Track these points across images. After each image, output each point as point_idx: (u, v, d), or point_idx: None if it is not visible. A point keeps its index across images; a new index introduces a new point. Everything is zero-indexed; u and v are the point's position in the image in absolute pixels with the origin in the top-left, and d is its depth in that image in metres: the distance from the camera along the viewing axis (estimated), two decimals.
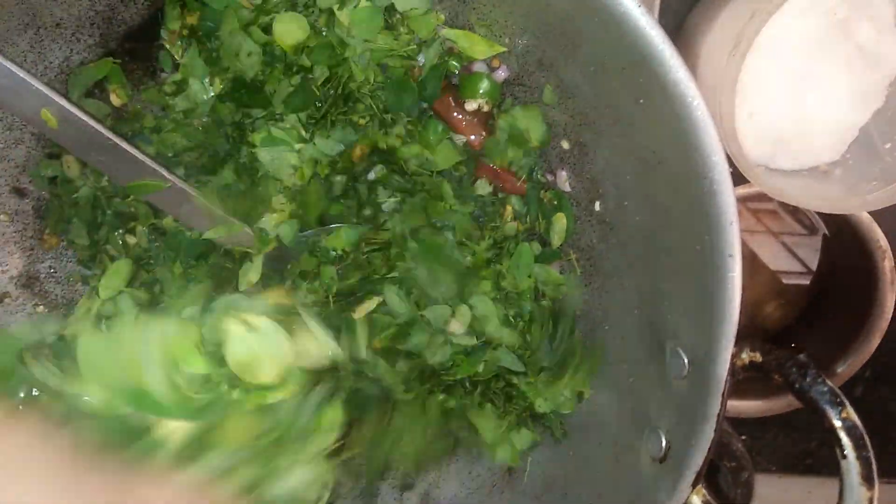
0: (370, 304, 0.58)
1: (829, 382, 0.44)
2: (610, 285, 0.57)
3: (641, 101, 0.44)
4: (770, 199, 0.80)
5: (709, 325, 0.44)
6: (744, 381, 0.54)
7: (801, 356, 0.46)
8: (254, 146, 0.55)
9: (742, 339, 0.45)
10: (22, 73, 0.46)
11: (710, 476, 0.58)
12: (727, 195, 0.41)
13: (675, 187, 0.45)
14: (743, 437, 0.90)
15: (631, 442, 0.52)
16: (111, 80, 0.56)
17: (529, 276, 0.57)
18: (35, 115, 0.47)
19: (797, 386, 0.44)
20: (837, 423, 0.44)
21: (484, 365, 0.58)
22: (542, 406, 0.58)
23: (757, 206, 0.80)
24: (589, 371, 0.56)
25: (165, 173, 0.52)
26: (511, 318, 0.57)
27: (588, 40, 0.46)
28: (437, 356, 0.57)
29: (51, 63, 0.55)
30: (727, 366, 0.44)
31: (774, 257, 0.82)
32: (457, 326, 0.56)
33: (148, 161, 0.51)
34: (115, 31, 0.55)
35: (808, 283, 0.82)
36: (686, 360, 0.47)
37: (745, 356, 0.45)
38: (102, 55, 0.56)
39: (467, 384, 0.60)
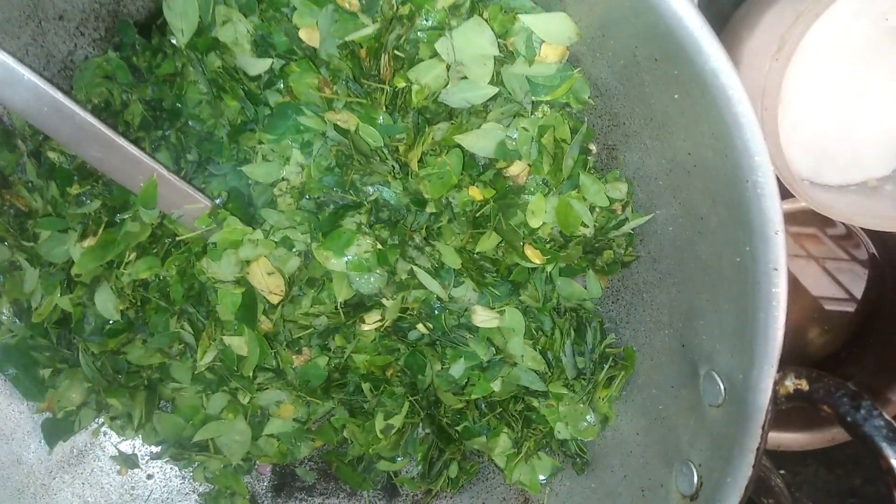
0: (378, 314, 0.54)
1: (885, 416, 0.39)
2: (639, 302, 0.52)
3: (676, 96, 0.40)
4: (810, 223, 0.75)
5: (748, 347, 0.40)
6: (785, 411, 0.49)
7: (852, 385, 0.41)
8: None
9: (785, 364, 0.40)
10: (15, 64, 0.44)
11: None
12: (772, 200, 0.37)
13: (714, 192, 0.41)
14: (781, 472, 0.85)
15: (660, 476, 0.48)
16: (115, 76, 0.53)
17: (552, 290, 0.53)
18: (28, 108, 0.45)
19: (849, 419, 0.39)
20: (895, 462, 0.38)
21: (501, 384, 0.53)
22: (562, 432, 0.54)
23: (798, 230, 0.76)
24: (623, 380, 0.51)
25: (163, 171, 0.50)
26: (533, 331, 0.53)
27: (616, 30, 0.42)
28: (452, 370, 0.53)
29: (54, 57, 0.53)
30: (769, 393, 0.40)
31: (816, 283, 0.78)
32: (482, 313, 0.51)
33: (144, 157, 0.49)
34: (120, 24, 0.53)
35: (852, 309, 0.77)
36: (722, 386, 0.43)
37: (790, 383, 0.40)
38: (107, 50, 0.53)
39: (483, 406, 0.56)
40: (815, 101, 0.61)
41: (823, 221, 0.75)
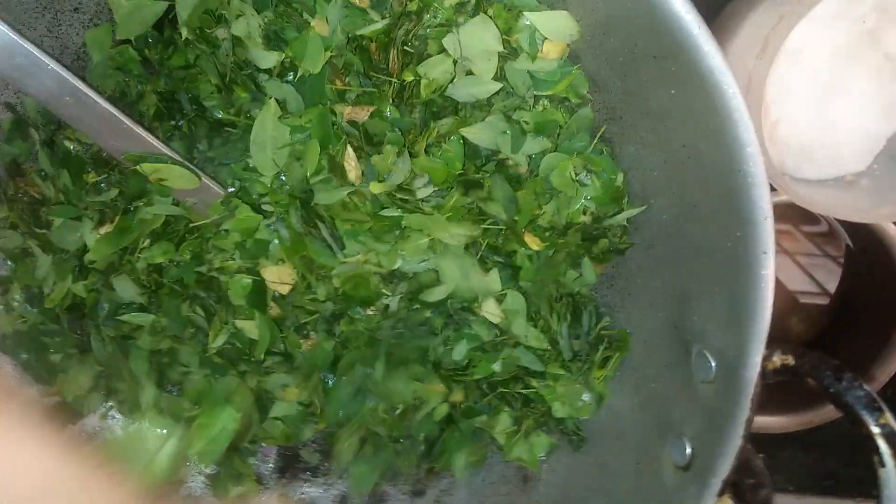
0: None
1: (865, 387, 0.42)
2: (633, 287, 0.55)
3: (673, 91, 0.42)
4: (785, 219, 0.79)
5: (739, 326, 0.43)
6: (765, 393, 0.52)
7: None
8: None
9: (772, 342, 0.43)
10: (39, 54, 0.45)
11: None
12: (761, 188, 0.39)
13: (706, 182, 0.43)
14: (761, 455, 0.88)
15: (653, 450, 0.50)
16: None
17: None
18: (50, 96, 0.46)
19: (832, 390, 0.42)
20: (875, 430, 0.42)
21: (502, 364, 0.56)
22: (559, 411, 0.57)
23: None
24: (618, 361, 0.54)
25: (179, 160, 0.51)
26: (532, 314, 0.55)
27: (616, 29, 0.45)
28: (454, 352, 0.55)
29: (68, 48, 0.54)
30: (758, 369, 0.42)
31: (790, 277, 0.81)
32: (490, 306, 0.54)
33: (161, 146, 0.51)
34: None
35: (826, 302, 0.81)
36: (713, 364, 0.45)
37: (777, 359, 0.43)
38: (120, 42, 0.55)
39: (484, 386, 0.58)
40: (796, 99, 0.64)
41: (798, 218, 0.79)
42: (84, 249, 0.54)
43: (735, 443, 0.43)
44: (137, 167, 0.50)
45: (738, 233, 0.41)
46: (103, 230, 0.52)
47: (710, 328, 0.46)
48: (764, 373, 0.43)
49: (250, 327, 0.55)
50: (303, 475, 0.66)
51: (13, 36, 0.43)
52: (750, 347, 0.42)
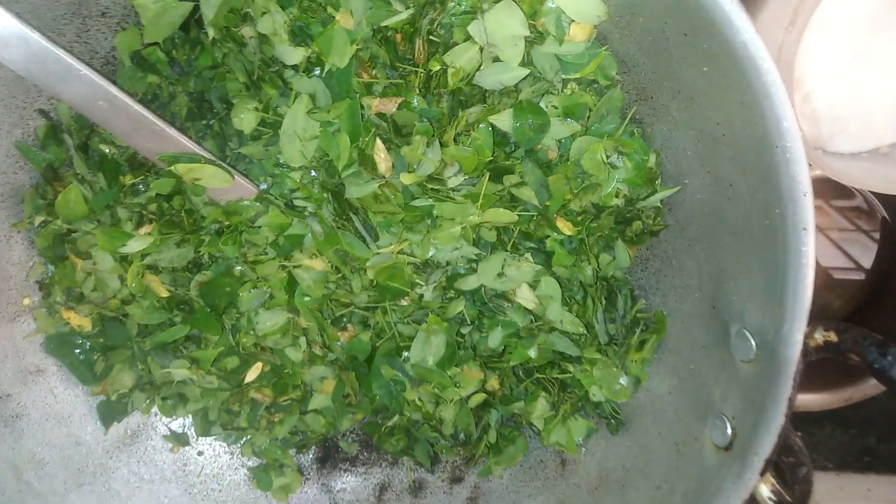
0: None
1: None
2: (668, 269, 0.55)
3: (705, 69, 0.42)
4: (815, 195, 0.77)
5: (779, 304, 0.42)
6: (803, 371, 0.52)
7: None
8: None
9: (813, 319, 0.43)
10: (72, 60, 0.46)
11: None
12: (800, 164, 0.39)
13: (742, 159, 0.43)
14: (799, 434, 0.87)
15: (693, 431, 0.50)
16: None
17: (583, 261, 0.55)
18: (84, 101, 0.47)
19: (877, 366, 0.41)
20: None
21: (538, 350, 0.56)
22: (596, 395, 0.56)
23: None
24: (655, 343, 0.54)
25: (212, 159, 0.52)
26: (566, 299, 0.55)
27: (645, 8, 0.44)
28: (490, 339, 0.55)
29: (97, 53, 0.55)
30: (799, 346, 0.42)
31: (824, 253, 0.80)
32: (525, 292, 0.54)
33: (194, 146, 0.51)
34: None
35: (861, 278, 0.80)
36: (754, 343, 0.45)
37: (819, 336, 0.43)
38: (148, 45, 0.55)
39: (520, 373, 0.58)
40: (826, 71, 0.63)
41: (829, 193, 0.78)
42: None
43: (778, 421, 0.43)
44: (172, 168, 0.51)
45: (776, 209, 0.41)
46: (143, 230, 0.53)
47: (750, 307, 0.45)
48: (806, 350, 0.42)
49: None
50: (342, 465, 0.67)
51: (46, 44, 0.44)
52: (792, 325, 0.41)
